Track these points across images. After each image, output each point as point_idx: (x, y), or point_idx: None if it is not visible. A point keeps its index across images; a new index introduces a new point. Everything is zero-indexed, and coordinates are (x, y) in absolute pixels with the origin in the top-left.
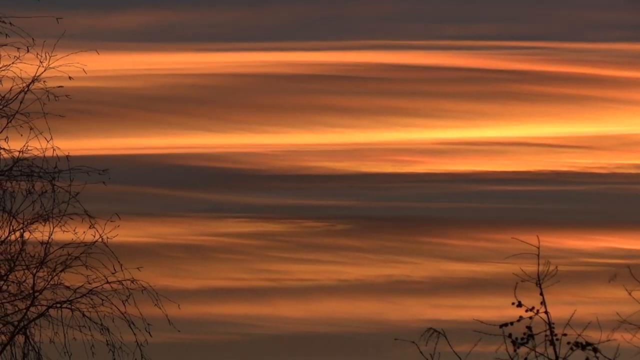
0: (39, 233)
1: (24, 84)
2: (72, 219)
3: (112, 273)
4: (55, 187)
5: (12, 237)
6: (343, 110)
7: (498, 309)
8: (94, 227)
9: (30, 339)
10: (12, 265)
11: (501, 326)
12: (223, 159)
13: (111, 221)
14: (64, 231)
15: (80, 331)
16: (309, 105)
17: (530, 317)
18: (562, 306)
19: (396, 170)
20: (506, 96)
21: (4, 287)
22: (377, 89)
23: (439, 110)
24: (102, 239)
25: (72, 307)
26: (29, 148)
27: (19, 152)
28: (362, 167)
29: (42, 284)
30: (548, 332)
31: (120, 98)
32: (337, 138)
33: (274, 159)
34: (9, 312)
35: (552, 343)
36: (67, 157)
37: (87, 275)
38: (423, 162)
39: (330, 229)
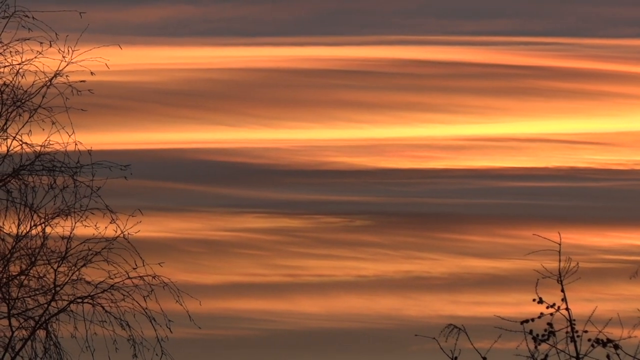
0: (60, 228)
1: (47, 79)
2: (93, 214)
3: (134, 268)
4: (76, 181)
5: (34, 231)
6: (362, 105)
7: (518, 305)
8: (115, 222)
9: (52, 334)
10: (34, 260)
11: (522, 322)
12: (242, 154)
13: (132, 216)
14: (85, 226)
15: (102, 326)
16: (328, 101)
17: (551, 314)
18: (583, 303)
19: (415, 166)
20: (524, 92)
21: (25, 282)
22: (396, 84)
23: (457, 106)
24: (124, 234)
25: (93, 303)
26: (50, 142)
27: (41, 146)
28: (381, 162)
29: (63, 279)
30: (569, 329)
31: (141, 93)
32: (356, 133)
33: (293, 154)
34: (30, 307)
35: (573, 340)
36: (89, 151)
37: (109, 271)
38: (442, 157)
39: (349, 225)
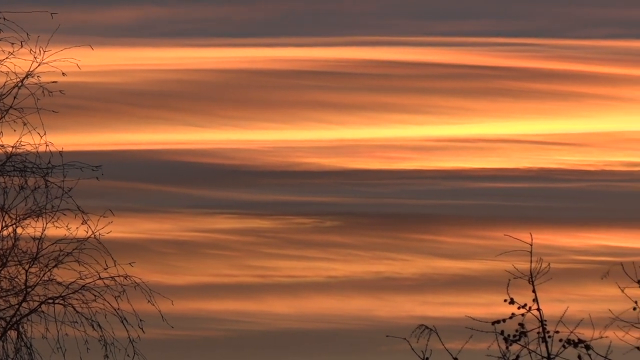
0: (32, 229)
1: (18, 79)
2: (64, 214)
3: (105, 269)
4: (48, 182)
5: (5, 232)
6: (333, 106)
7: (490, 306)
8: (86, 223)
9: (23, 335)
10: (5, 260)
11: (493, 323)
12: (213, 154)
13: (104, 217)
14: (56, 227)
15: (73, 327)
16: (299, 102)
17: (523, 315)
18: (554, 303)
19: (386, 167)
20: (496, 93)
21: None
22: (367, 85)
23: (428, 107)
24: (95, 234)
25: (65, 303)
26: (22, 143)
27: (12, 147)
28: (351, 163)
29: (35, 279)
30: (540, 330)
31: (112, 94)
32: (327, 134)
33: (264, 155)
34: (1, 307)
35: (544, 340)
36: (61, 152)
37: (80, 271)
38: (413, 158)
39: (320, 226)
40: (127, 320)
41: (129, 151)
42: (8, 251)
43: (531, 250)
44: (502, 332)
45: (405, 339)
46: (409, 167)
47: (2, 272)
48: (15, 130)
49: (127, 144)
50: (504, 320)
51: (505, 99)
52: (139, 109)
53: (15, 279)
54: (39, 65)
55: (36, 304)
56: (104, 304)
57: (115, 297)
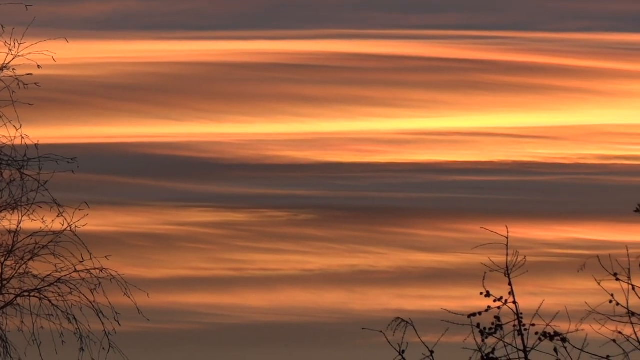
0: (7, 222)
1: None
2: (40, 207)
3: (81, 262)
4: (23, 175)
5: None
6: (306, 99)
7: (466, 299)
8: (62, 216)
9: None
10: None
11: (469, 316)
12: (187, 148)
13: (79, 210)
14: (32, 220)
15: (48, 320)
16: (272, 95)
17: (499, 308)
18: (530, 297)
19: (359, 160)
20: (469, 86)
21: None
22: (340, 78)
23: (402, 100)
24: (71, 227)
25: (40, 296)
26: None
27: None
28: (325, 156)
29: (10, 272)
30: (516, 323)
31: (87, 87)
32: (300, 127)
33: (237, 148)
34: None
35: (520, 333)
36: (36, 145)
37: (56, 264)
38: (386, 151)
39: (294, 219)
40: (103, 313)
41: (104, 144)
42: None
43: (507, 243)
44: (478, 325)
45: (381, 332)
46: (383, 160)
47: None
48: None
49: (102, 137)
50: (480, 313)
51: (479, 92)
52: (114, 102)
53: None
54: (14, 58)
55: (12, 296)
56: (79, 297)
57: (91, 290)
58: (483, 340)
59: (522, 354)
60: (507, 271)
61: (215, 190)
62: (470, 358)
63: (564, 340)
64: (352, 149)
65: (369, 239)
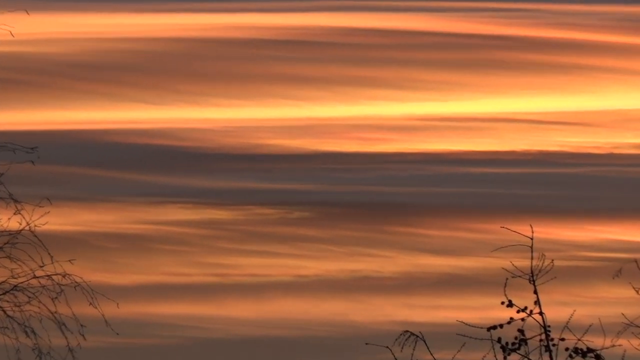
0: None
1: None
2: None
3: (41, 266)
4: None
5: None
6: (301, 80)
7: (484, 309)
8: (20, 214)
9: None
10: None
11: (488, 329)
12: (164, 135)
13: (40, 206)
14: None
15: (3, 334)
16: (262, 75)
17: (523, 319)
18: (559, 307)
19: (362, 150)
20: (487, 65)
21: None
22: (340, 56)
23: (411, 81)
24: (30, 227)
25: None
26: None
27: None
28: (322, 145)
29: None
30: (543, 337)
31: (50, 65)
32: (293, 112)
33: (222, 136)
34: None
35: (547, 349)
36: None
37: (12, 269)
38: (393, 140)
39: (287, 217)
40: (65, 326)
41: (69, 131)
42: None
43: (532, 245)
44: (499, 340)
45: (387, 347)
46: (388, 149)
47: None
48: None
49: (66, 123)
50: (501, 326)
51: (499, 72)
52: (81, 83)
53: None
54: None
55: None
56: (39, 307)
57: (52, 299)
58: (505, 357)
59: None
60: (532, 277)
61: (197, 184)
62: None
63: (598, 357)
64: (353, 136)
65: (372, 240)
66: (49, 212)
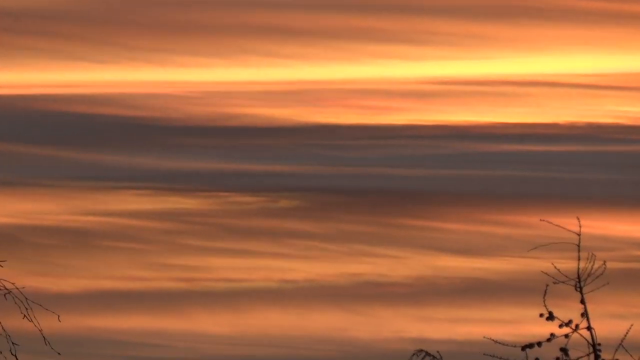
0: None
1: None
2: None
3: None
4: None
5: None
6: (286, 33)
7: (518, 323)
8: None
9: None
10: None
11: (524, 348)
12: (113, 102)
13: None
14: None
15: None
16: (237, 26)
17: (566, 336)
18: (612, 320)
19: (364, 121)
20: (522, 13)
21: None
22: (334, 2)
23: (425, 34)
24: None
25: None
26: None
27: None
28: (315, 115)
29: None
30: (592, 357)
31: None
32: (279, 74)
33: (187, 104)
34: None
35: None
36: None
37: None
38: (403, 108)
39: (270, 207)
40: None
41: None
42: None
43: (579, 243)
44: None
45: None
46: (398, 121)
47: None
48: None
49: None
50: (539, 344)
51: (536, 22)
52: (7, 36)
53: None
54: None
55: None
56: None
57: None
58: None
59: None
60: (579, 283)
61: (155, 164)
62: None
63: None
64: (353, 104)
65: (378, 237)
66: None
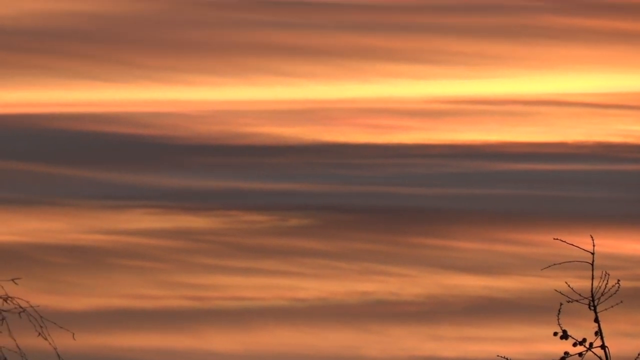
0: None
1: None
2: None
3: None
4: None
5: None
6: (295, 51)
7: (532, 342)
8: None
9: None
10: None
11: None
12: (123, 121)
13: None
14: None
15: None
16: (247, 45)
17: (580, 354)
18: (626, 339)
19: (374, 140)
20: (532, 33)
21: None
22: (345, 21)
23: (435, 53)
24: None
25: None
26: None
27: None
28: (323, 134)
29: None
30: None
31: None
32: (287, 92)
33: (197, 123)
34: None
35: None
36: None
37: None
38: (413, 128)
39: (281, 225)
40: None
41: (2, 116)
42: None
43: (593, 261)
44: None
45: None
46: (408, 140)
47: None
48: None
49: None
50: None
51: (546, 41)
52: (15, 55)
53: None
54: None
55: None
56: None
57: None
58: None
59: None
60: (593, 302)
61: (166, 182)
62: None
63: None
64: (363, 123)
65: (389, 255)
66: None
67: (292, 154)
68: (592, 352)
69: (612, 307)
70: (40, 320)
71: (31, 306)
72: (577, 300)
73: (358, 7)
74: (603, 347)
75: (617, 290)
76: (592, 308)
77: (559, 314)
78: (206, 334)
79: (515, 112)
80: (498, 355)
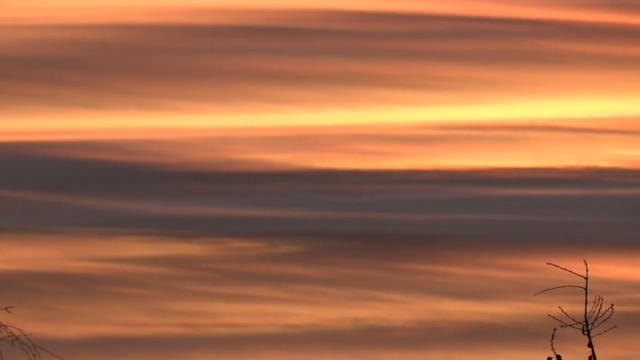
0: None
1: None
2: None
3: None
4: None
5: None
6: (285, 78)
7: None
8: None
9: None
10: None
11: None
12: (113, 148)
13: None
14: None
15: None
16: (237, 71)
17: None
18: None
19: (365, 166)
20: (522, 58)
21: None
22: (336, 47)
23: (425, 79)
24: None
25: None
26: None
27: None
28: (313, 160)
29: None
30: None
31: None
32: (276, 119)
33: (188, 149)
34: None
35: None
36: None
37: None
38: (404, 153)
39: (271, 252)
40: None
41: None
42: None
43: (586, 286)
44: None
45: None
46: (398, 166)
47: None
48: None
49: None
50: None
51: (537, 66)
52: (7, 83)
53: None
54: None
55: None
56: None
57: None
58: None
59: None
60: (587, 326)
61: (156, 209)
62: None
63: None
64: (352, 149)
65: (380, 281)
66: None
67: (282, 181)
68: None
69: (605, 331)
70: (33, 348)
71: (24, 334)
72: (570, 325)
73: (348, 34)
74: None
75: (610, 315)
76: (586, 333)
77: (552, 338)
78: None
79: (505, 138)
80: None
